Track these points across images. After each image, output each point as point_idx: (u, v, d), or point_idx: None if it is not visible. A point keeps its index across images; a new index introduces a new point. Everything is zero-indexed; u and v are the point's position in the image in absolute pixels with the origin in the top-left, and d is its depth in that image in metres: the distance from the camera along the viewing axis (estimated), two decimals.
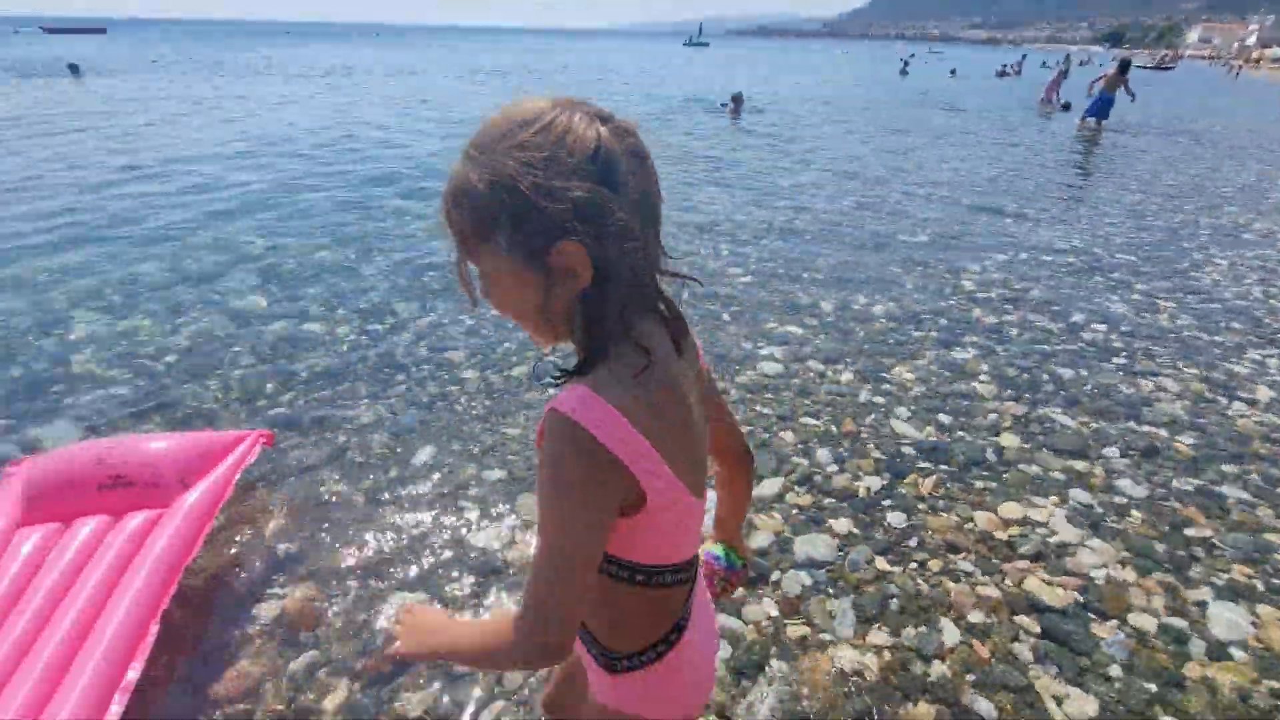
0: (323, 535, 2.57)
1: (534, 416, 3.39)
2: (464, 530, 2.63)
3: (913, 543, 2.61)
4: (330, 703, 1.93)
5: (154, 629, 1.87)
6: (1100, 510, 2.80)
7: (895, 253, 6.05)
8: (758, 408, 3.51)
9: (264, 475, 2.88)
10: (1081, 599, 2.34)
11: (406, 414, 3.39)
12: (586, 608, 0.79)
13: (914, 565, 2.50)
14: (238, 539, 2.52)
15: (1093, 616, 2.28)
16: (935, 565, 2.50)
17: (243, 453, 2.53)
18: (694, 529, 0.91)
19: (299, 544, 2.52)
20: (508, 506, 2.77)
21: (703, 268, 5.53)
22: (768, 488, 2.91)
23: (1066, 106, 17.83)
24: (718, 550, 1.31)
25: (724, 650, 2.13)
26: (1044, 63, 50.73)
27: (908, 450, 3.20)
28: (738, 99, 15.56)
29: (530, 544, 2.59)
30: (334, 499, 2.77)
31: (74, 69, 21.96)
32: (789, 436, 3.28)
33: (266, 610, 2.23)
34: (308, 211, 6.94)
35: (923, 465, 3.09)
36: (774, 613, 2.29)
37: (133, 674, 1.75)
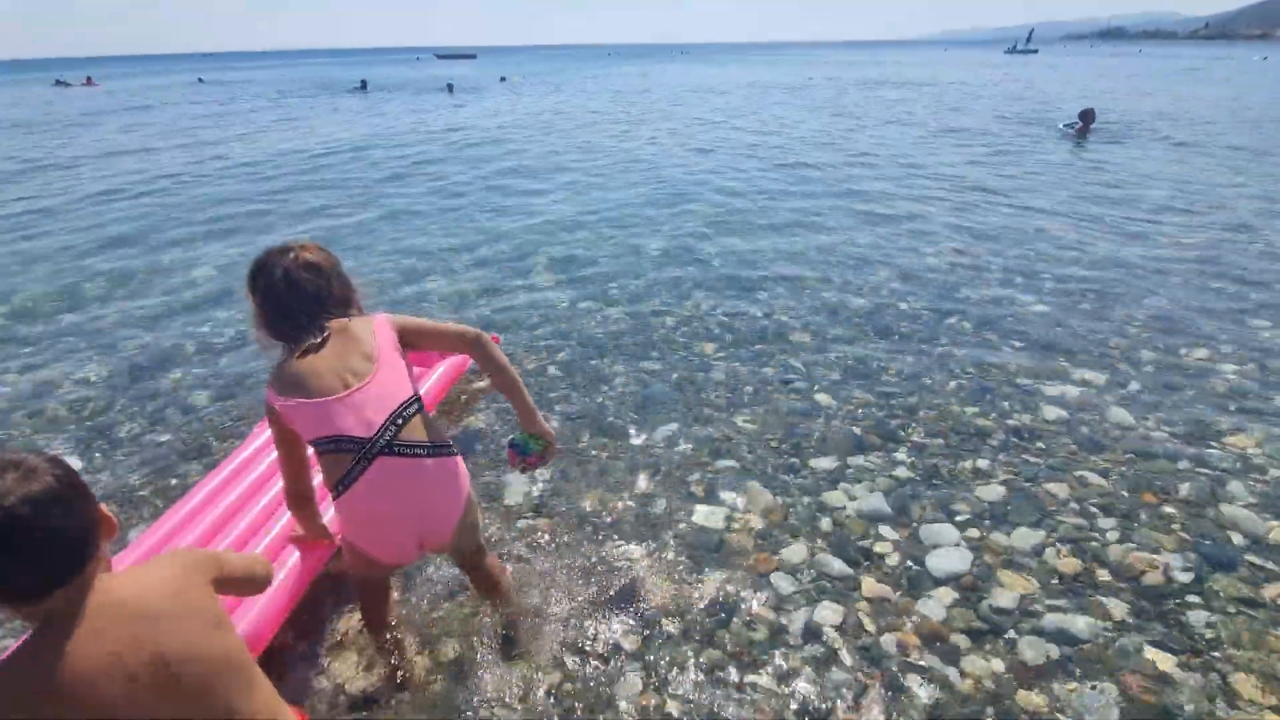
0: (572, 473, 2.95)
1: (769, 414, 3.42)
2: (688, 504, 2.78)
3: (1217, 654, 2.07)
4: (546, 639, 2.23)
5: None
6: None
7: (1263, 296, 4.73)
8: (1025, 455, 3.06)
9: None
10: None
11: (654, 386, 3.68)
12: (296, 476, 1.82)
13: (1218, 679, 1.98)
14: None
15: None
16: (1252, 690, 1.95)
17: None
18: (334, 423, 1.59)
19: (553, 481, 2.93)
20: (732, 492, 2.85)
21: (992, 298, 4.97)
22: (1021, 539, 2.55)
23: None
24: (516, 438, 1.89)
25: (928, 692, 1.94)
26: None
27: (1238, 541, 2.52)
28: (1087, 116, 12.76)
29: (750, 526, 2.66)
30: (588, 448, 3.15)
31: (450, 88, 27.80)
32: (1059, 490, 2.81)
33: (518, 529, 2.64)
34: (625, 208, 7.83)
35: (1261, 565, 2.41)
36: (1001, 669, 2.01)
37: None
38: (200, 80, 41.01)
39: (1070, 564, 2.43)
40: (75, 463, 3.23)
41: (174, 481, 3.04)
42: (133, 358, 4.28)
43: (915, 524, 2.65)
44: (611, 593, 2.34)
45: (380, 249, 6.54)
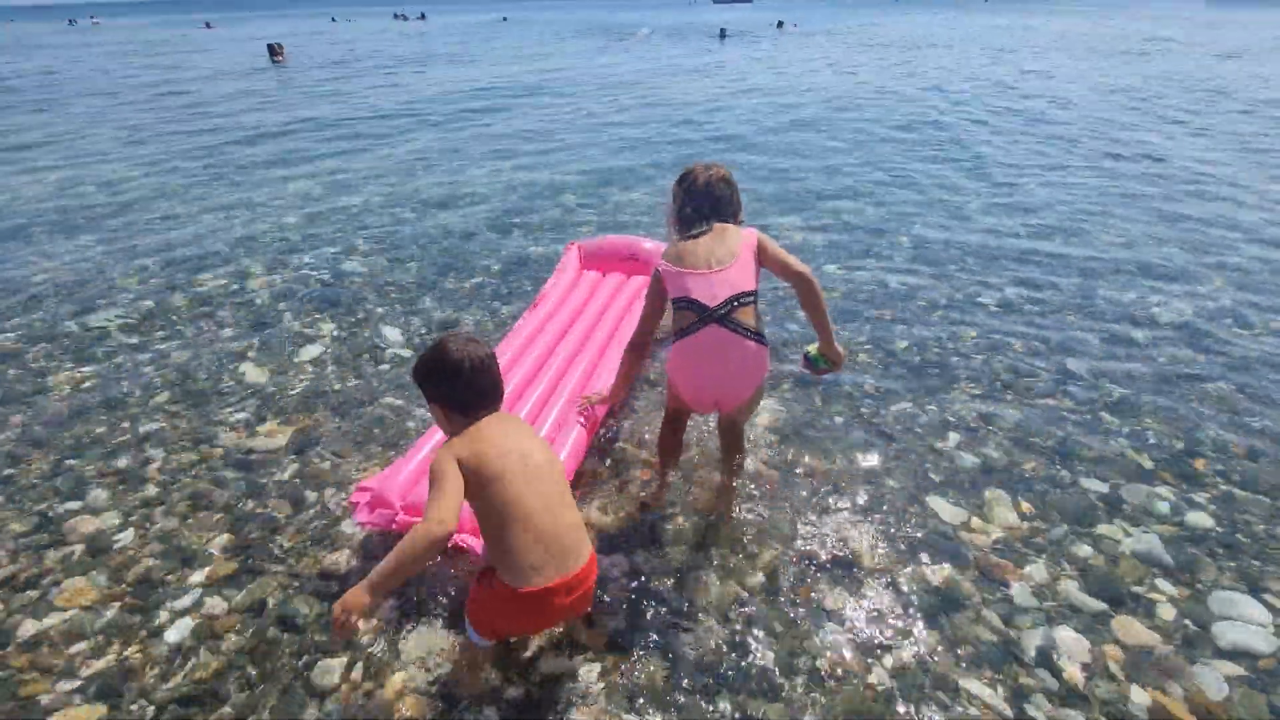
0: (808, 431, 2.96)
1: (1035, 416, 3.06)
2: (923, 490, 2.65)
3: None
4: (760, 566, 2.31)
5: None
6: None
7: None
8: None
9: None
10: None
11: (899, 363, 3.49)
12: (646, 328, 2.32)
13: None
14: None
15: None
16: None
17: None
18: (691, 289, 2.09)
19: (781, 428, 2.97)
20: (977, 489, 2.64)
21: None
22: None
23: None
24: (811, 353, 2.28)
25: None
26: None
27: None
28: None
29: (993, 528, 2.47)
30: (823, 410, 3.13)
31: (722, 33, 27.40)
32: None
33: (746, 469, 2.73)
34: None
35: None
36: None
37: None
38: (504, 19, 45.52)
39: None
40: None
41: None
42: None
43: (1205, 588, 2.23)
44: (828, 548, 2.35)
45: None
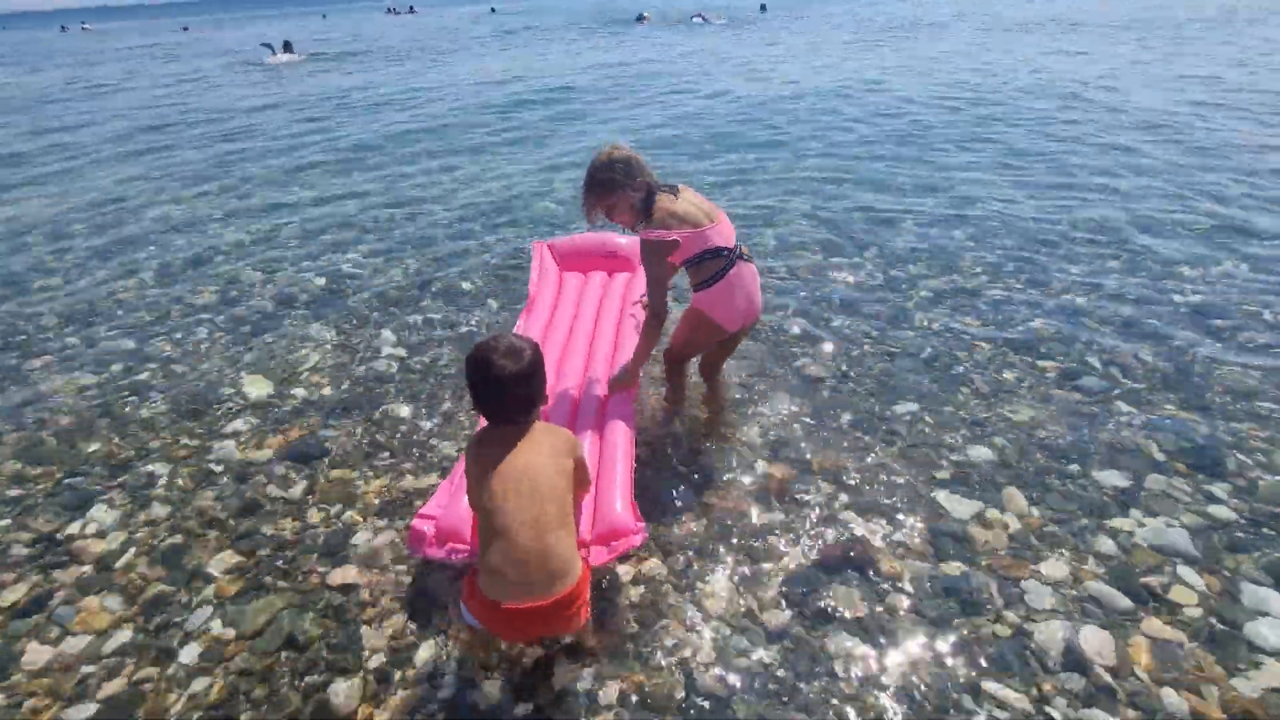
0: (807, 431, 2.92)
1: (1045, 409, 3.01)
2: (931, 486, 2.61)
3: None
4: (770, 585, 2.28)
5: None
6: None
7: None
8: None
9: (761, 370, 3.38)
10: None
11: (903, 360, 3.44)
12: (665, 294, 2.60)
13: None
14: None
15: None
16: None
17: None
18: (714, 239, 2.52)
19: (788, 429, 2.93)
20: (986, 487, 2.60)
21: None
22: None
23: None
24: None
25: None
26: None
27: None
28: None
29: (1006, 525, 2.42)
30: (829, 410, 3.08)
31: (703, 19, 26.50)
32: None
33: (754, 472, 2.71)
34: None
35: None
36: None
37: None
38: (493, 10, 44.54)
39: None
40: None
41: None
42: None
43: (1232, 577, 2.18)
44: (839, 549, 2.31)
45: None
